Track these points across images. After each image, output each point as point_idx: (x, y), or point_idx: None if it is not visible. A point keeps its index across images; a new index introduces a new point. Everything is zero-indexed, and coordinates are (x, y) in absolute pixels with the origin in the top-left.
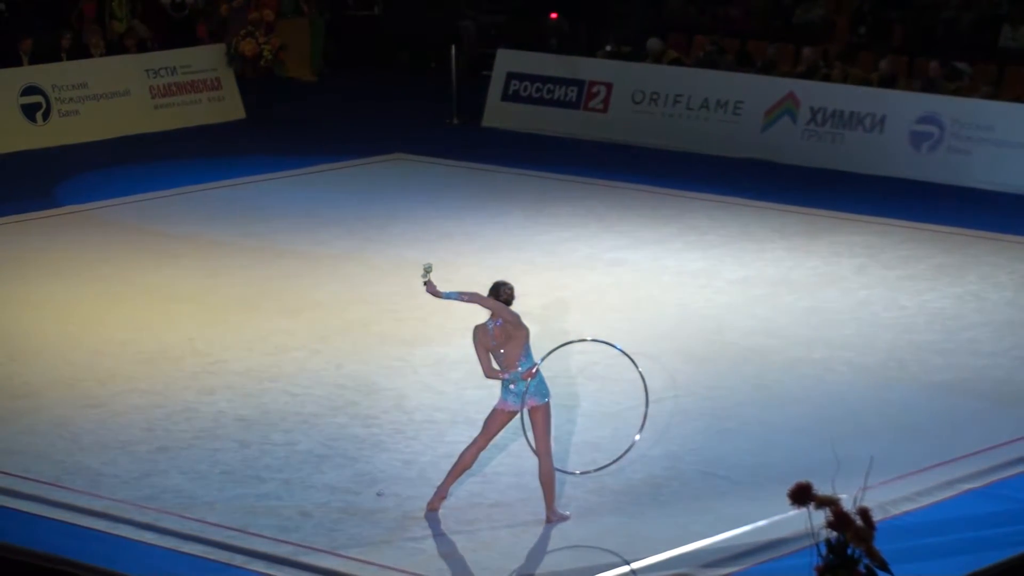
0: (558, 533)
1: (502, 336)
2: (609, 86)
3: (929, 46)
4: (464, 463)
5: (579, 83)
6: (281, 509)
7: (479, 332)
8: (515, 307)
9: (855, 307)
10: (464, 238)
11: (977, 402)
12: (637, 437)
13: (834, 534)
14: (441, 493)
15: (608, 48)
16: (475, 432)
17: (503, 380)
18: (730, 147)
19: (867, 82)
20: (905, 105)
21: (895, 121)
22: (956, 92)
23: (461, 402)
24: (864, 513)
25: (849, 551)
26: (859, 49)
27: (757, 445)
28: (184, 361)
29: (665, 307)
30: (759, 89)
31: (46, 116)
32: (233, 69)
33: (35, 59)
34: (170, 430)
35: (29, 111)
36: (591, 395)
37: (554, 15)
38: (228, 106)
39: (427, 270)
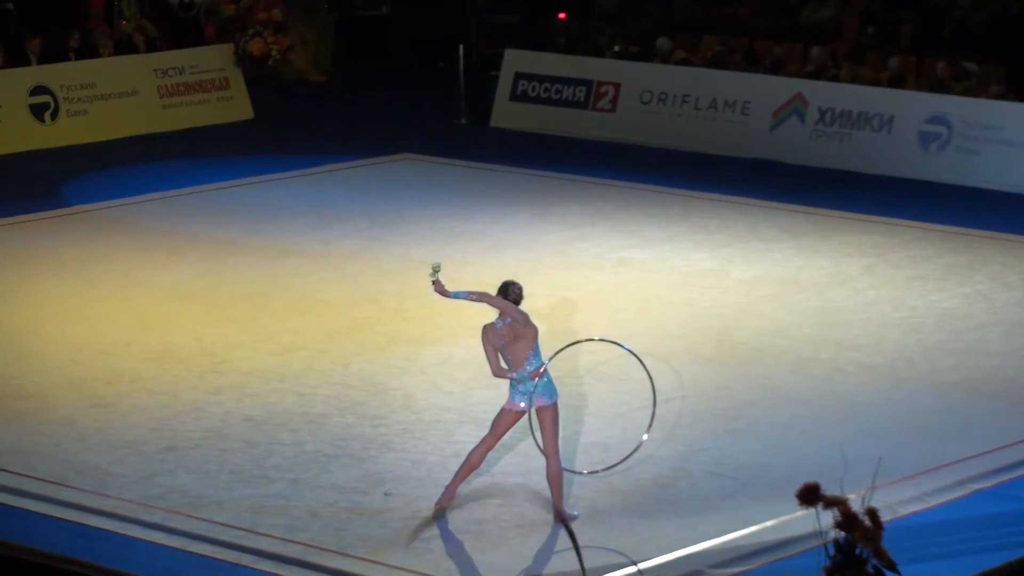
0: (566, 533)
1: (510, 335)
2: (617, 86)
3: (938, 46)
4: (472, 463)
5: (587, 83)
6: (289, 509)
7: (487, 331)
8: (523, 306)
9: (864, 307)
10: (472, 237)
11: (986, 402)
12: (645, 436)
13: (842, 534)
14: (449, 493)
15: (616, 48)
16: (483, 432)
17: (511, 380)
18: (738, 147)
19: (876, 82)
20: (914, 105)
21: (903, 121)
22: (964, 92)
23: (469, 402)
24: (872, 513)
25: (857, 551)
26: (867, 49)
27: (765, 445)
28: (191, 361)
29: (673, 307)
30: (767, 89)
31: (54, 116)
32: (241, 69)
33: (43, 59)
34: (177, 430)
35: (37, 111)
36: (599, 395)
37: (562, 15)
38: (236, 106)
39: (435, 269)
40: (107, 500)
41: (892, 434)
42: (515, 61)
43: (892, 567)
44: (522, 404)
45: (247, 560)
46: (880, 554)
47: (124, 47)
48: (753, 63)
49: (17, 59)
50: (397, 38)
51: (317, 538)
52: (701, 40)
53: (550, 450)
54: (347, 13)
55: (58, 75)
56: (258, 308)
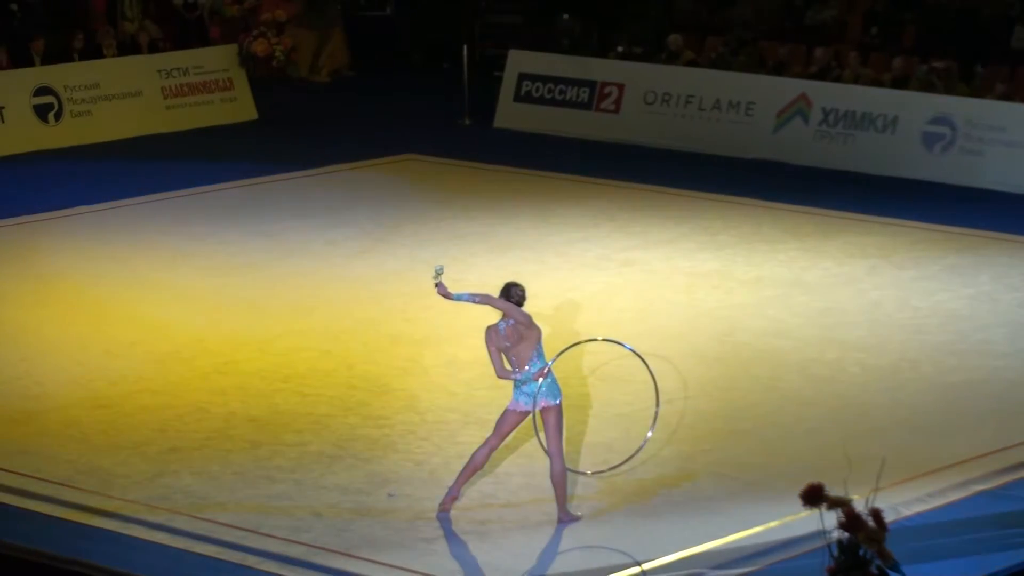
0: (570, 534)
1: (514, 336)
2: (621, 87)
3: (941, 47)
4: (476, 464)
5: (591, 84)
6: (293, 510)
7: (491, 333)
8: (526, 308)
9: (868, 308)
10: (475, 238)
11: (990, 403)
12: (649, 434)
13: (846, 535)
14: (453, 494)
15: (620, 49)
16: (486, 433)
17: (515, 381)
18: (742, 148)
19: (879, 83)
20: (917, 106)
21: (907, 122)
22: (969, 93)
23: (472, 403)
24: (876, 514)
25: (861, 552)
26: (871, 50)
27: (769, 446)
28: (195, 361)
29: (677, 308)
30: (771, 90)
31: (58, 116)
32: (245, 70)
33: (47, 59)
34: (181, 431)
35: (41, 111)
36: (603, 396)
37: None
38: (240, 106)
39: (438, 272)
40: (111, 501)
41: (896, 435)
42: (519, 62)
43: (896, 568)
44: (526, 405)
45: (251, 561)
46: (883, 555)
47: (128, 48)
48: (757, 64)
49: (21, 60)
50: (401, 39)
51: (320, 539)
52: (705, 41)
53: (553, 450)
54: (352, 14)
55: (62, 76)
56: (262, 309)
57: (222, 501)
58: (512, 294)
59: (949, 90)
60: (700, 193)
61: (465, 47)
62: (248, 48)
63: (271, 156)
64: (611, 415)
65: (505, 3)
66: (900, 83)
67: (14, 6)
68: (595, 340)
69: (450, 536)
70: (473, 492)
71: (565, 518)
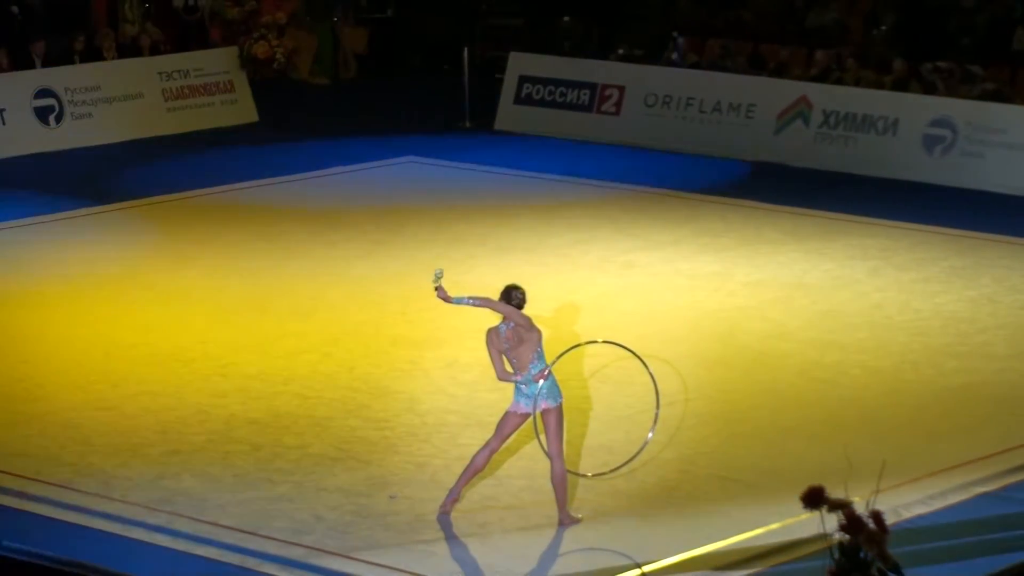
0: (571, 536)
1: (514, 339)
2: (622, 89)
3: (942, 49)
4: (476, 466)
5: (592, 86)
6: (293, 512)
7: (492, 335)
8: (527, 310)
9: (869, 310)
10: (476, 241)
11: (991, 405)
12: (650, 435)
13: (847, 537)
14: (454, 496)
15: (620, 51)
16: (487, 435)
17: (516, 383)
18: (743, 150)
19: (880, 85)
20: (918, 108)
21: (908, 124)
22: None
23: (473, 405)
24: (877, 516)
25: (862, 555)
26: (872, 52)
27: (770, 448)
28: (196, 363)
29: (678, 310)
30: (772, 92)
31: (59, 119)
32: (246, 72)
33: (48, 62)
34: (182, 432)
35: (42, 114)
36: (603, 398)
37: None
38: (241, 109)
39: (438, 276)
40: (111, 503)
41: (897, 437)
42: (519, 64)
43: (896, 570)
44: (526, 407)
45: (251, 563)
46: (884, 557)
47: (129, 50)
48: (757, 66)
49: (22, 62)
50: (402, 41)
51: (321, 541)
52: (705, 43)
53: (554, 452)
54: (353, 16)
55: (63, 78)
56: (263, 311)
57: (223, 503)
58: (512, 297)
59: (950, 92)
60: (701, 195)
61: (466, 49)
62: (249, 50)
63: (272, 158)
64: (612, 417)
65: (506, 5)
66: (900, 86)
67: (15, 8)
68: (596, 342)
69: (451, 538)
70: (474, 494)
71: (566, 520)
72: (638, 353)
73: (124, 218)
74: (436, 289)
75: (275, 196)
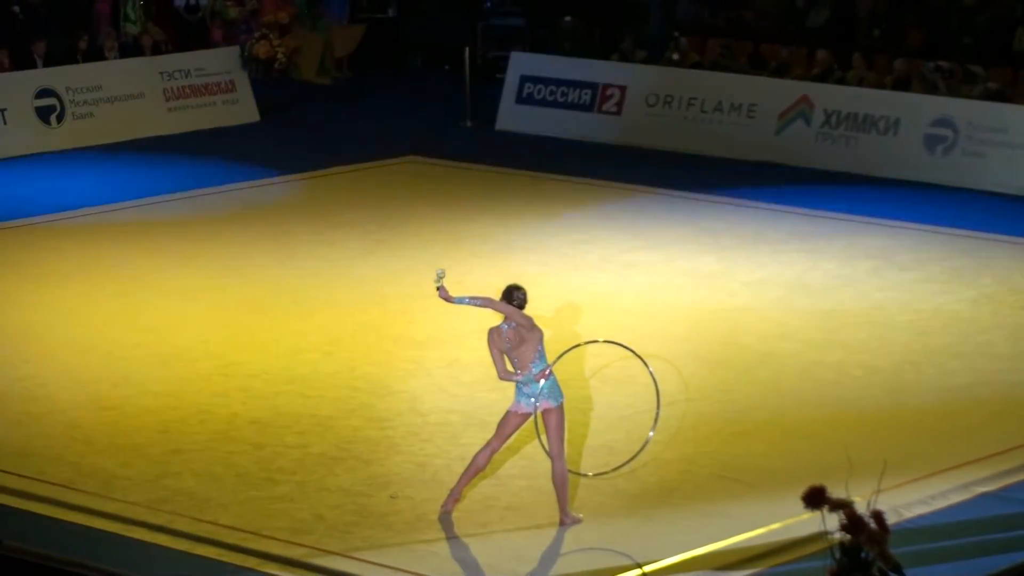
0: (571, 536)
1: (516, 338)
2: (623, 89)
3: (943, 49)
4: (477, 466)
5: (593, 86)
6: (295, 511)
7: (493, 334)
8: (528, 310)
9: (870, 310)
10: (477, 240)
11: (992, 405)
12: (651, 435)
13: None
14: (455, 496)
15: (623, 50)
16: (489, 434)
17: (517, 382)
18: (744, 150)
19: (881, 85)
20: (919, 108)
21: (909, 124)
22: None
23: (475, 404)
24: (878, 516)
25: (863, 555)
26: (873, 52)
27: (771, 448)
28: (198, 363)
29: (679, 310)
30: (773, 92)
31: (60, 119)
32: (247, 72)
33: (49, 61)
34: (184, 432)
35: (43, 113)
36: (605, 398)
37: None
38: (242, 109)
39: (440, 276)
40: (113, 503)
41: (898, 437)
42: (521, 64)
43: (897, 570)
44: (527, 407)
45: (252, 563)
46: (885, 557)
47: (130, 50)
48: (758, 66)
49: (23, 62)
50: (403, 41)
51: (323, 541)
52: (706, 43)
53: (555, 452)
54: (354, 15)
55: (64, 78)
56: (264, 311)
57: (224, 503)
58: (514, 297)
59: (952, 91)
60: (702, 195)
61: (467, 49)
62: (250, 50)
63: (273, 158)
64: (614, 417)
65: (507, 5)
66: (902, 85)
67: (16, 8)
68: (596, 342)
69: (452, 538)
70: (475, 494)
71: (567, 520)
72: (639, 353)
73: (124, 218)
74: (438, 289)
75: (276, 196)
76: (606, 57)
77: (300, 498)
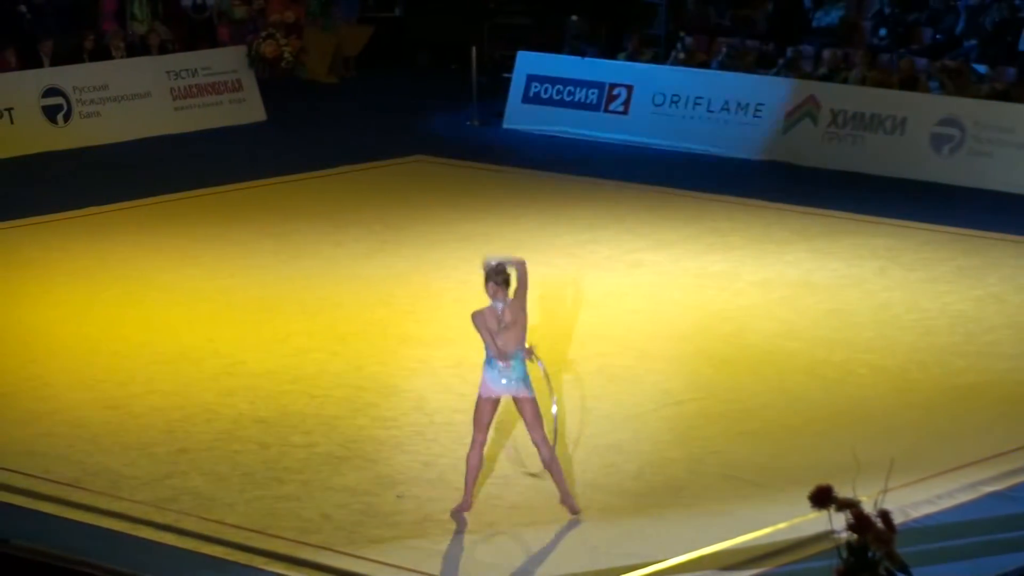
0: (578, 535)
1: (510, 317)
2: (630, 88)
3: (949, 49)
4: (473, 466)
5: (600, 85)
6: (301, 511)
7: (486, 315)
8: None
9: (876, 309)
10: (484, 239)
11: (998, 405)
12: (554, 410)
13: (854, 537)
14: (467, 500)
15: (629, 50)
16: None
17: (498, 366)
18: (751, 149)
19: (888, 85)
20: (926, 107)
21: (916, 123)
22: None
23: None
24: (885, 516)
25: (869, 554)
26: (880, 51)
27: (777, 447)
28: (204, 363)
29: (686, 309)
30: (780, 91)
31: (67, 118)
32: (254, 71)
33: (56, 60)
34: (190, 432)
35: (50, 112)
36: (611, 396)
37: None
38: (249, 108)
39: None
40: (119, 502)
41: (904, 436)
42: (528, 63)
43: (904, 570)
44: (498, 389)
45: (259, 562)
46: (892, 557)
47: (137, 49)
48: (765, 65)
49: (30, 61)
50: (410, 40)
51: (329, 540)
52: (713, 42)
53: (538, 439)
54: (361, 14)
55: (71, 77)
56: (271, 310)
57: (230, 502)
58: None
59: (959, 91)
60: (709, 194)
61: (474, 48)
62: (257, 50)
63: (279, 157)
64: (620, 416)
65: (514, 4)
66: (908, 85)
67: (23, 7)
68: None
69: (457, 538)
70: (480, 493)
71: (569, 502)
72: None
73: (132, 217)
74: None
75: (283, 195)
76: (613, 56)
77: (306, 497)
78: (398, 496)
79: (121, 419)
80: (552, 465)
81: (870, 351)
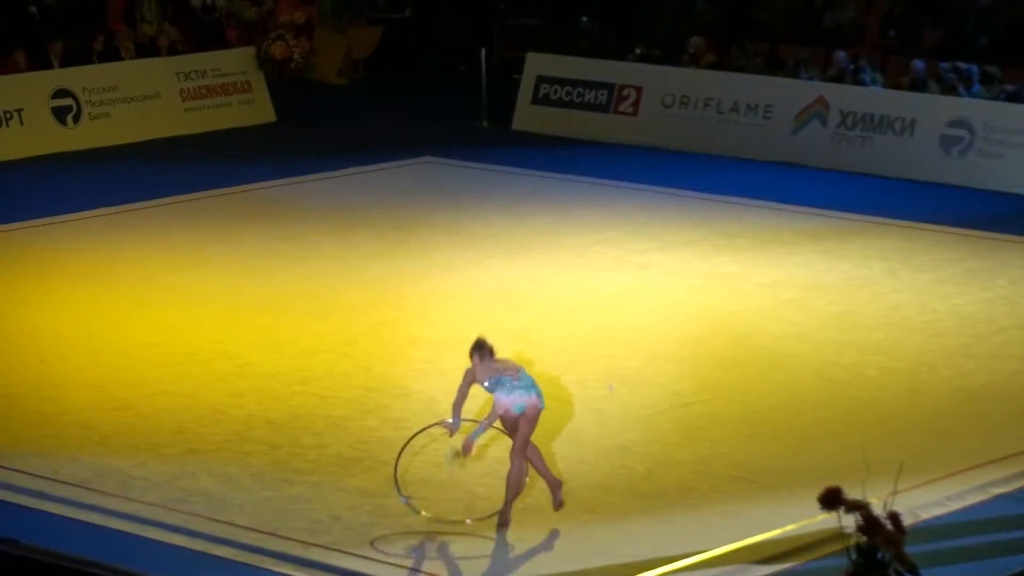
0: (588, 536)
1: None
2: (639, 89)
3: (960, 49)
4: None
5: (609, 86)
6: (311, 512)
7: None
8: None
9: (886, 311)
10: (493, 241)
11: (1008, 406)
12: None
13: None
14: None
15: (638, 51)
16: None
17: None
18: (760, 150)
19: (897, 86)
20: (935, 109)
21: (925, 125)
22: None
23: (491, 405)
24: (894, 517)
25: (879, 556)
26: (890, 52)
27: (787, 449)
28: (213, 363)
29: (695, 310)
30: (789, 93)
31: (77, 119)
32: (263, 72)
33: (65, 62)
34: (199, 432)
35: (60, 114)
36: (620, 398)
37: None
38: (258, 109)
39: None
40: (129, 503)
41: (914, 438)
42: (537, 64)
43: (914, 571)
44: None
45: (269, 563)
46: (901, 559)
47: (146, 50)
48: (775, 67)
49: (40, 62)
50: (419, 41)
51: (339, 541)
52: (722, 43)
53: (515, 450)
54: (371, 15)
55: (80, 78)
56: (280, 311)
57: (240, 503)
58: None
59: (969, 92)
60: (718, 196)
61: (483, 50)
62: (267, 51)
63: (289, 158)
64: (630, 418)
65: (523, 6)
66: (918, 86)
67: (33, 8)
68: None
69: (468, 538)
70: (492, 495)
71: (505, 520)
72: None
73: (141, 218)
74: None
75: (292, 196)
76: (622, 58)
77: (316, 498)
78: (408, 498)
79: (130, 420)
80: (512, 479)
81: (879, 353)
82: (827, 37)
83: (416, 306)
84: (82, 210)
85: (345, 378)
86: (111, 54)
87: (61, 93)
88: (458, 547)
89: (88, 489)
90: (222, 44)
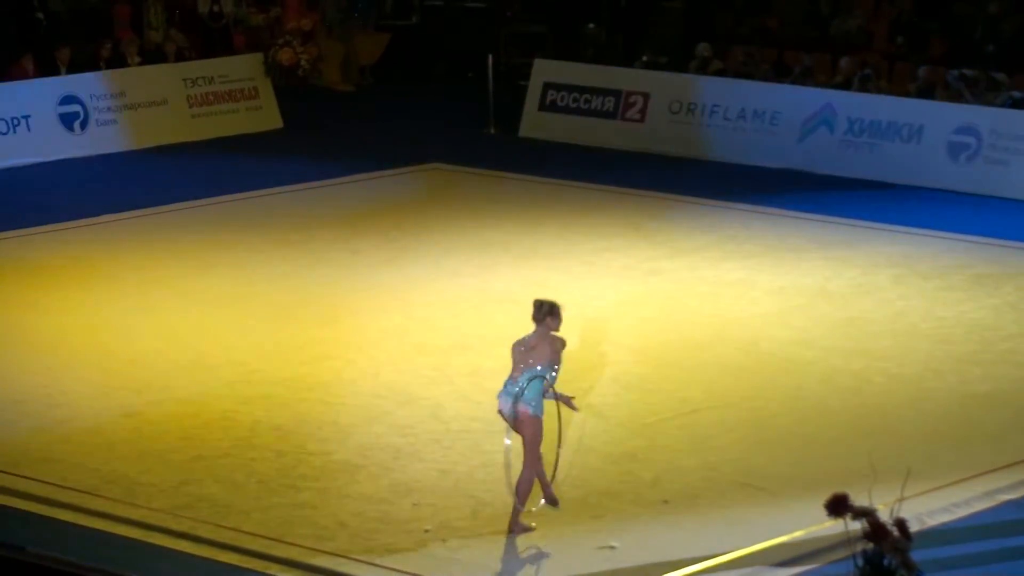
0: (594, 542)
1: (534, 342)
2: (646, 96)
3: (967, 56)
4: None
5: (616, 93)
6: (317, 518)
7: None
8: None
9: (892, 317)
10: (500, 248)
11: (1015, 412)
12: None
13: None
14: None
15: (645, 58)
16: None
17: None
18: (767, 157)
19: (905, 92)
20: (943, 115)
21: (933, 131)
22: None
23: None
24: (901, 524)
25: (885, 562)
26: (897, 59)
27: (794, 456)
28: (220, 370)
29: (702, 317)
30: (796, 99)
31: (84, 125)
32: (271, 78)
33: (73, 68)
34: (206, 439)
35: (67, 120)
36: (628, 405)
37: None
38: (265, 115)
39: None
40: (135, 509)
41: (921, 445)
42: (544, 71)
43: None
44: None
45: (275, 569)
46: (908, 565)
47: (153, 56)
48: (782, 73)
49: (47, 69)
50: (426, 48)
51: (345, 548)
52: (730, 50)
53: (525, 460)
54: (377, 23)
55: (88, 84)
56: (287, 318)
57: (246, 510)
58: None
59: (976, 99)
60: (725, 202)
61: (490, 56)
62: (274, 57)
63: (296, 165)
64: (637, 425)
65: (530, 13)
66: (925, 93)
67: (40, 15)
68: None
69: (474, 545)
70: (497, 500)
71: (516, 528)
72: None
73: (148, 224)
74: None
75: (299, 203)
76: (629, 64)
77: (322, 505)
78: (414, 504)
79: (137, 426)
80: (518, 486)
81: (886, 359)
82: (834, 44)
83: (423, 313)
84: (89, 216)
85: (352, 385)
86: (118, 61)
87: (68, 99)
88: (463, 553)
89: (95, 495)
90: (229, 51)
